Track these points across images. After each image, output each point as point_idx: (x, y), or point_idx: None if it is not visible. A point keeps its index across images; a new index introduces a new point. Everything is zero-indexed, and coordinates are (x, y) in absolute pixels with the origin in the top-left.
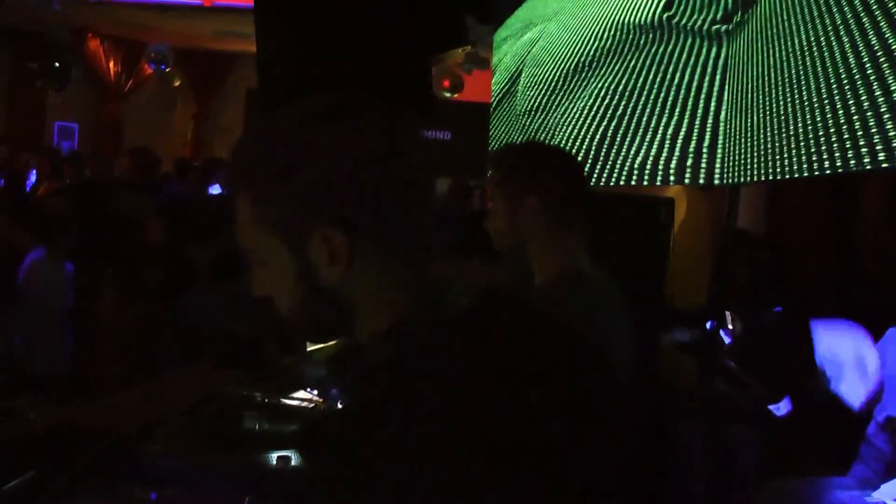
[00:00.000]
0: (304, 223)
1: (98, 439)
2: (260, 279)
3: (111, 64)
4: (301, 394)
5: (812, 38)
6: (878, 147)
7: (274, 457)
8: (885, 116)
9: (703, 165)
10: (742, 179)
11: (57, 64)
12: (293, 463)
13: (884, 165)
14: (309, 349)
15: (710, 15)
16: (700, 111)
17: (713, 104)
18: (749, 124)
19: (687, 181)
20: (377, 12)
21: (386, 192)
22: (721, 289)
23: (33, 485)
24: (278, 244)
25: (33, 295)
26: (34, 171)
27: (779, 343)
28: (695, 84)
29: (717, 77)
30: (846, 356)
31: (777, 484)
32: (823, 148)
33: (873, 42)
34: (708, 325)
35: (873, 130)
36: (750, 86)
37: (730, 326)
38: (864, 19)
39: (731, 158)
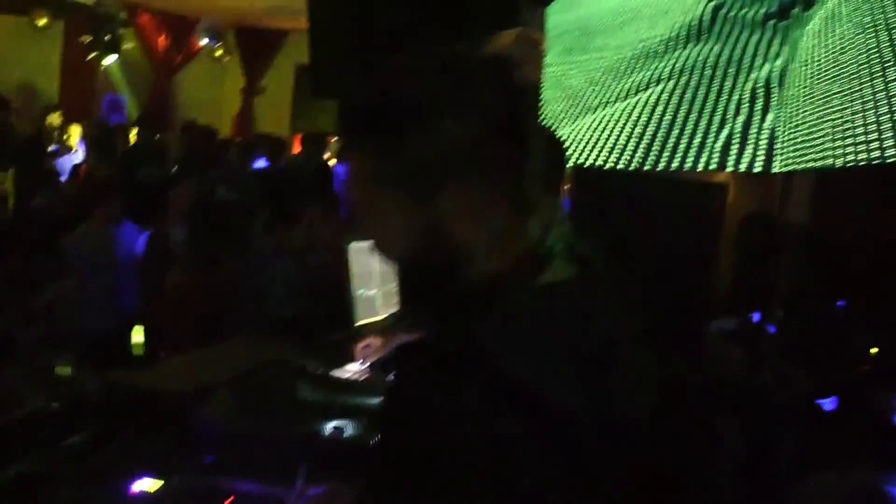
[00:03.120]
0: (435, 179)
1: (153, 401)
2: (372, 227)
3: (161, 39)
4: (351, 367)
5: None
6: None
7: (328, 427)
8: None
9: (762, 151)
10: (800, 167)
11: (109, 36)
12: (347, 433)
13: None
14: (357, 324)
15: (763, 9)
16: (759, 96)
17: (773, 90)
18: (808, 112)
19: (742, 167)
20: None
21: (512, 148)
22: (769, 279)
23: (90, 443)
24: (400, 197)
25: (77, 256)
26: (82, 142)
27: (837, 338)
28: (751, 69)
29: (777, 63)
30: None
31: (826, 477)
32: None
33: None
34: (754, 315)
35: None
36: (812, 74)
37: (776, 318)
38: None
39: (789, 145)
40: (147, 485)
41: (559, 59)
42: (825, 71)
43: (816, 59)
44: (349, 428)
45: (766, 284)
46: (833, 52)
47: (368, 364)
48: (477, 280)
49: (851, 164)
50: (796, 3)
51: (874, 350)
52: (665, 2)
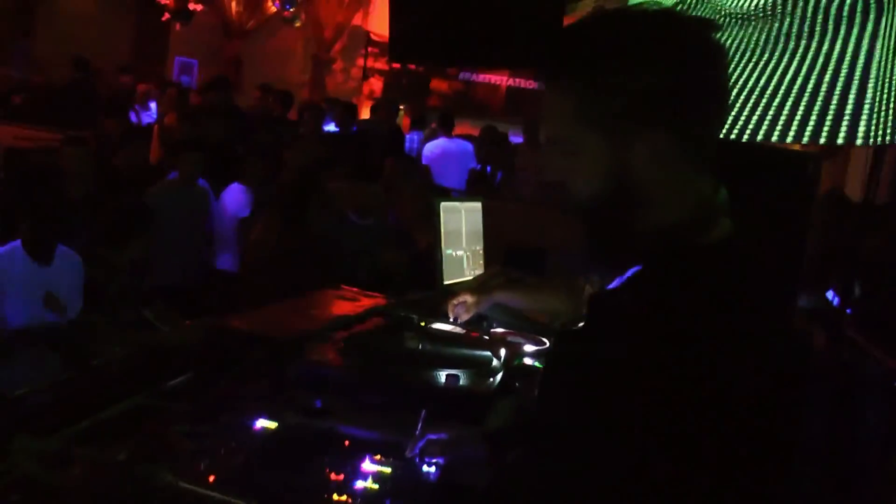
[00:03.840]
0: (633, 123)
1: (255, 346)
2: (559, 166)
3: (234, 3)
4: (444, 323)
5: None
6: None
7: (443, 374)
8: None
9: (845, 124)
10: (888, 140)
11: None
12: (461, 382)
13: None
14: (446, 282)
15: None
16: (845, 67)
17: (861, 60)
18: None
19: (823, 140)
20: None
21: (706, 105)
22: (847, 258)
23: (194, 384)
24: (598, 139)
25: (156, 213)
26: (154, 103)
27: None
28: (840, 38)
29: (868, 32)
30: None
31: None
32: None
33: None
34: (829, 293)
35: None
36: None
37: (853, 297)
38: None
39: (878, 117)
40: (262, 423)
41: None
42: None
43: None
44: (463, 377)
45: (844, 263)
46: None
47: (464, 320)
48: (654, 230)
49: None
50: None
51: None
52: None
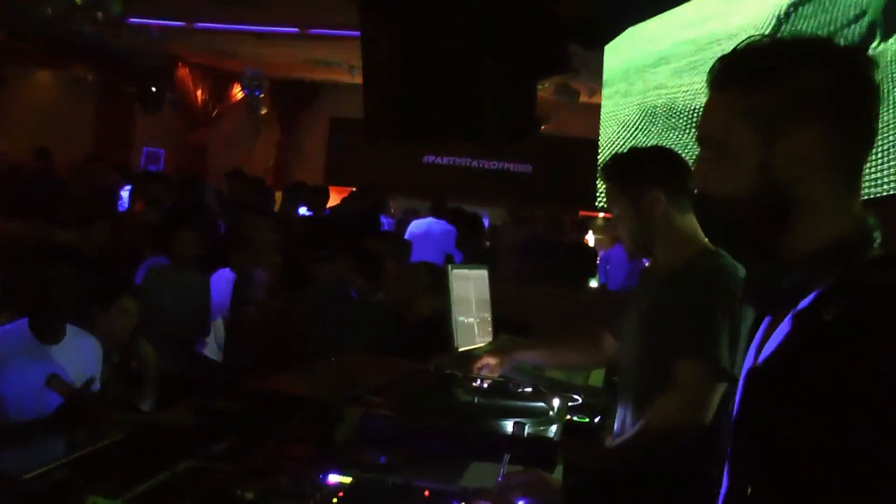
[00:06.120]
0: (782, 116)
1: (302, 405)
2: (711, 174)
3: (199, 91)
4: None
5: None
6: None
7: (510, 423)
8: None
9: None
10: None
11: (153, 89)
12: (528, 430)
13: None
14: (460, 349)
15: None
16: None
17: None
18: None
19: None
20: (483, 39)
21: (849, 117)
22: None
23: (237, 447)
24: (749, 132)
25: (154, 298)
26: (128, 189)
27: None
28: None
29: None
30: None
31: None
32: None
33: None
34: None
35: None
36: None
37: None
38: None
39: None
40: (336, 478)
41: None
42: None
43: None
44: (529, 425)
45: None
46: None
47: (491, 380)
48: (806, 243)
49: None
50: (874, 36)
51: None
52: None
